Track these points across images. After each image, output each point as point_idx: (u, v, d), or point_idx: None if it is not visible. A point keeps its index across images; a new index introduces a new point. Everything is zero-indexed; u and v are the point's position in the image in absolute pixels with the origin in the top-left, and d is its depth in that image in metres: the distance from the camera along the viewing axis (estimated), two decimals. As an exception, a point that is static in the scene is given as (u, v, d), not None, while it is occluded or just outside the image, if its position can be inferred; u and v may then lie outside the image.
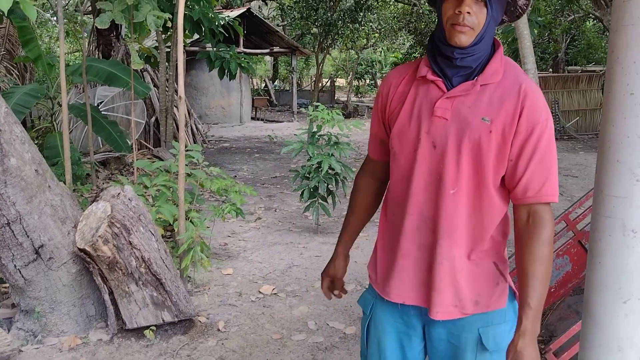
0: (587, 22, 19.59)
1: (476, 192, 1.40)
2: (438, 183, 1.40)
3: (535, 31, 10.56)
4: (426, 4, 18.71)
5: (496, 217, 1.44)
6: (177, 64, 3.31)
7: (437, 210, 1.41)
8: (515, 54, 8.49)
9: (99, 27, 4.49)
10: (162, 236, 4.65)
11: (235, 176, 8.40)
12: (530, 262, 1.38)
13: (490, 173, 1.38)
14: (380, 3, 18.48)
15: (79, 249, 3.05)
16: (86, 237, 3.00)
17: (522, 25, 7.03)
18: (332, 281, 1.76)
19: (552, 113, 13.85)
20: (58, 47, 3.97)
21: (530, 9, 1.57)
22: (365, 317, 1.62)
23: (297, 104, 19.96)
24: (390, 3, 20.16)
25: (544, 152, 1.37)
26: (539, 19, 11.25)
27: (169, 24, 6.51)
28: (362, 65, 28.72)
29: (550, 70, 20.07)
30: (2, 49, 8.93)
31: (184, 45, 12.65)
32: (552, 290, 2.99)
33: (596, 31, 20.34)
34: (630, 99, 1.60)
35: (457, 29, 1.34)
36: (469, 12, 1.32)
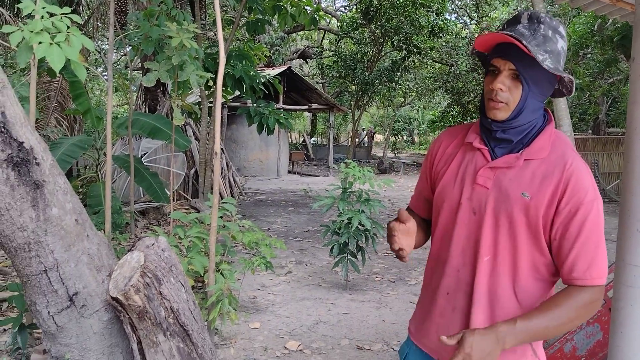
0: (628, 85, 19.41)
1: (512, 264, 1.38)
2: (474, 249, 1.41)
3: (575, 93, 10.56)
4: (463, 65, 18.96)
5: (531, 293, 1.40)
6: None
7: (473, 275, 1.41)
8: (551, 115, 8.46)
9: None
10: (193, 287, 4.71)
11: (269, 229, 8.48)
12: (561, 300, 1.32)
13: (524, 247, 1.36)
14: (417, 64, 18.80)
15: (112, 298, 3.12)
16: (119, 285, 3.08)
17: (558, 88, 7.06)
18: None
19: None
20: (107, 100, 4.22)
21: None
22: None
23: (334, 158, 20.22)
24: (428, 64, 20.51)
25: (588, 234, 1.31)
26: (577, 81, 11.25)
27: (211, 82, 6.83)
28: (399, 122, 29.02)
29: (590, 132, 19.84)
30: (54, 101, 9.46)
31: (226, 101, 13.13)
32: (583, 359, 2.89)
33: (638, 93, 20.07)
34: (649, 169, 1.61)
35: (491, 104, 1.37)
36: (501, 89, 1.34)
